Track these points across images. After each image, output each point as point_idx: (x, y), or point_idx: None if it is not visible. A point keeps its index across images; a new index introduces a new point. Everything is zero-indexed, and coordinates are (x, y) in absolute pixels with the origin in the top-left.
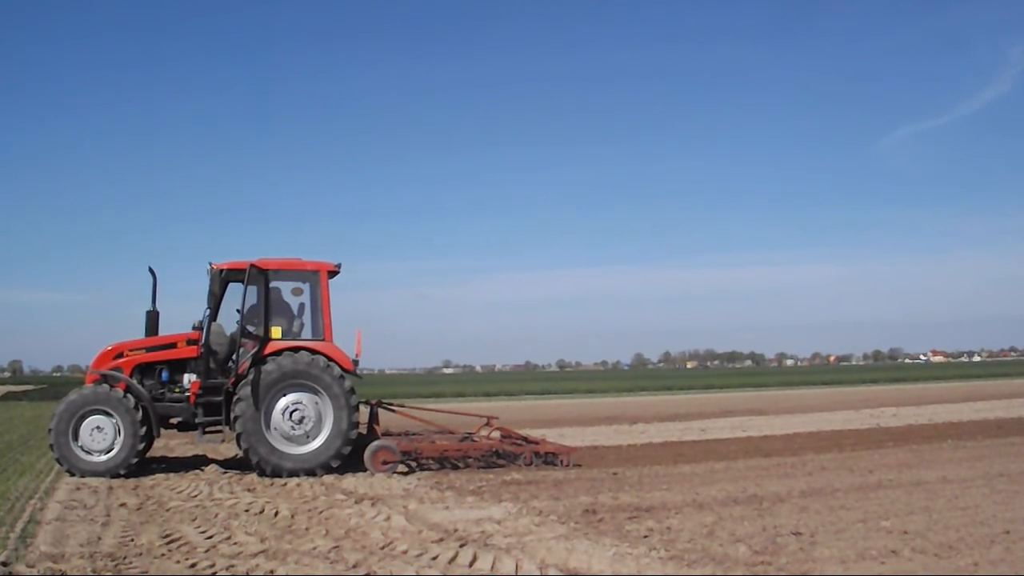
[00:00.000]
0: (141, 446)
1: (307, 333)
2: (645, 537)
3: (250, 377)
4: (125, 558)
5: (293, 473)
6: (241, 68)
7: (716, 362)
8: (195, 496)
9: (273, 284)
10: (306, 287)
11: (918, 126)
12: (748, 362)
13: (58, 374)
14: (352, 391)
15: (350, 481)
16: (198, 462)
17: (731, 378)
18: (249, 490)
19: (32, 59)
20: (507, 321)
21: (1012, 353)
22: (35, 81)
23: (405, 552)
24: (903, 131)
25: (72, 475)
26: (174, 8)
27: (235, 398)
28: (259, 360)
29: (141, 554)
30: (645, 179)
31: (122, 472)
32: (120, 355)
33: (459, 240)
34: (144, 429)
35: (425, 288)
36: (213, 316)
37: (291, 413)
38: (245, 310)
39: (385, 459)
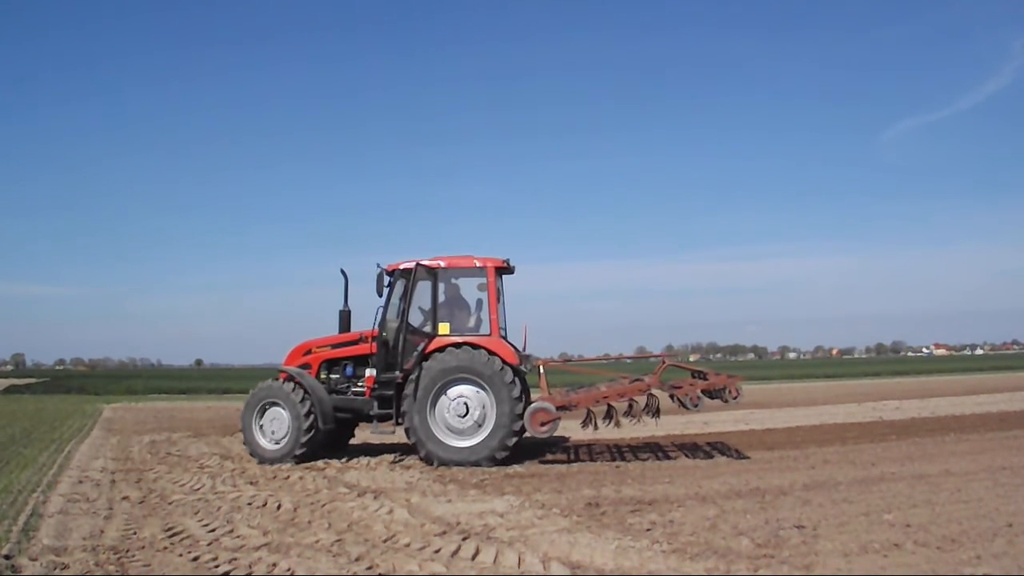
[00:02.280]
0: (305, 438)
1: (484, 329)
2: (648, 530)
3: (417, 371)
4: (128, 551)
5: (456, 464)
6: (241, 60)
7: (719, 355)
8: (197, 489)
9: (453, 281)
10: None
11: (920, 119)
12: (751, 355)
13: (61, 367)
14: (514, 385)
15: (353, 474)
16: (201, 456)
17: (734, 371)
18: (252, 483)
19: (35, 51)
20: (509, 314)
21: (1015, 346)
22: (36, 73)
23: (408, 545)
24: (905, 124)
25: (257, 461)
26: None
27: (404, 392)
28: (427, 355)
29: (144, 547)
30: (647, 172)
31: (289, 460)
32: (308, 352)
33: (461, 236)
34: (309, 421)
35: None
36: (384, 313)
37: (456, 407)
38: (415, 307)
39: (543, 420)
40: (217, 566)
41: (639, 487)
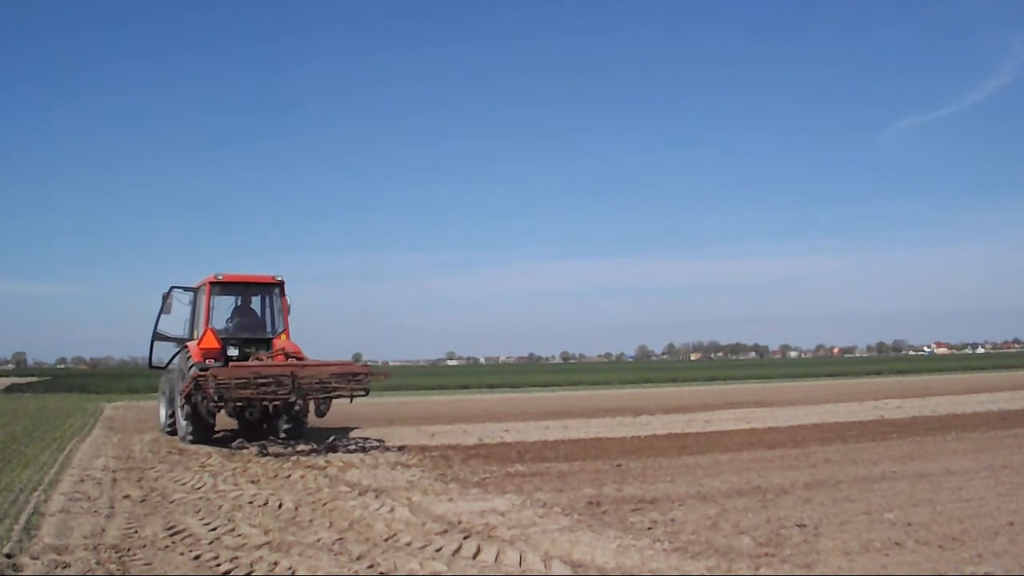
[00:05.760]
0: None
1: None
2: (649, 529)
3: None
4: (129, 550)
5: (191, 443)
6: (244, 60)
7: (720, 354)
8: (199, 488)
9: (202, 297)
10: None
11: (920, 118)
12: (752, 354)
13: (62, 366)
14: (192, 382)
15: (354, 473)
16: (201, 453)
17: (735, 370)
18: (253, 482)
19: (36, 49)
20: (511, 313)
21: (1016, 345)
22: (36, 73)
23: (409, 544)
24: (905, 123)
25: None
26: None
27: None
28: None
29: (145, 546)
30: (648, 171)
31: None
32: None
33: (463, 232)
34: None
35: (429, 280)
36: (155, 324)
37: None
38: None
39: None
40: (218, 565)
41: (640, 486)
